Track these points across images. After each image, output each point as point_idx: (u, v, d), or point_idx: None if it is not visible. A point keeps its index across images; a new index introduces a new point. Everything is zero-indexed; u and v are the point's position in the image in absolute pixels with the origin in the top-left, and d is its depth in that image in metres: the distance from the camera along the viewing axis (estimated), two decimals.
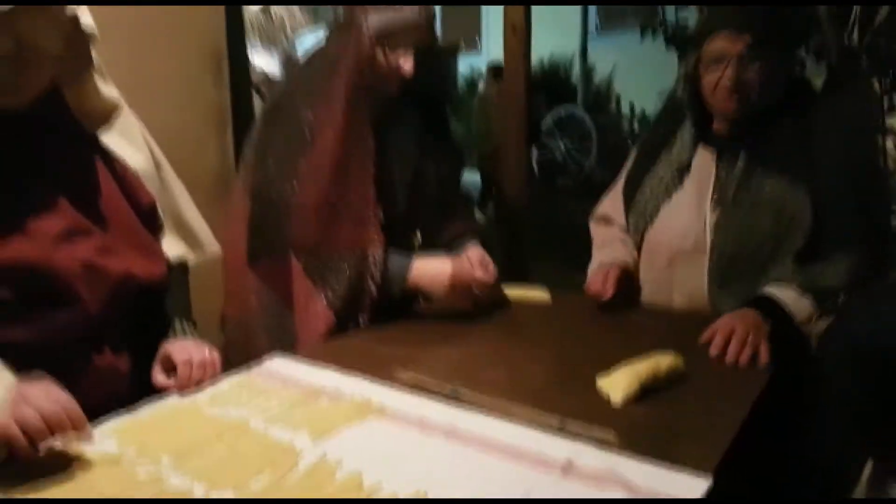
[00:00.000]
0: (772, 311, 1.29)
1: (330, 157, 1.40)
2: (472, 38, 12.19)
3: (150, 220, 1.10)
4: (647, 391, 1.09)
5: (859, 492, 0.90)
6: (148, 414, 0.97)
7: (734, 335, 1.23)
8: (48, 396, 0.79)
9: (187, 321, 1.13)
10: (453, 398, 1.05)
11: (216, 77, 2.40)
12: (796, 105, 1.38)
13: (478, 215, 6.66)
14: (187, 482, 0.80)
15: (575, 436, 0.94)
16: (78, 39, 0.97)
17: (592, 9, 10.94)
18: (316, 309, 1.41)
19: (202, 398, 1.03)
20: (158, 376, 1.05)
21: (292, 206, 1.41)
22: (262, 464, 0.84)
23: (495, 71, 7.31)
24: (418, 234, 1.64)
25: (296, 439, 0.91)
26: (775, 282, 1.35)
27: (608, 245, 1.68)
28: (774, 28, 1.34)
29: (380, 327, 1.41)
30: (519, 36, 2.43)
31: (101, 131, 1.09)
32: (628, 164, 1.68)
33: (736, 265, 1.39)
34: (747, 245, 1.38)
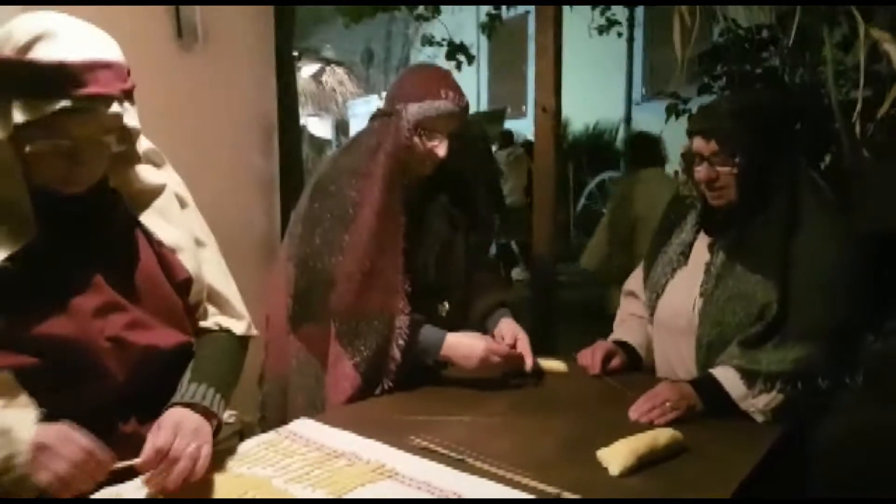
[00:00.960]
0: (709, 387, 1.40)
1: (367, 232, 1.53)
2: (519, 105, 12.53)
3: (184, 293, 1.19)
4: (646, 463, 1.16)
5: None
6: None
7: (658, 400, 1.36)
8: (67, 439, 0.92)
9: (208, 386, 1.13)
10: (460, 465, 1.14)
11: (266, 148, 2.59)
12: (779, 202, 1.45)
13: (519, 273, 6.77)
14: None
15: None
16: (125, 136, 1.10)
17: (638, 77, 11.17)
18: (345, 371, 1.52)
19: (231, 457, 1.13)
20: (147, 445, 1.00)
21: (334, 277, 1.54)
22: None
23: (504, 136, 7.57)
24: (446, 304, 1.74)
25: (315, 497, 1.00)
26: (721, 363, 1.44)
27: (625, 322, 1.79)
28: (738, 136, 1.44)
29: (400, 394, 1.51)
30: (549, 116, 2.57)
31: (140, 211, 1.20)
32: (649, 243, 1.78)
33: (714, 349, 1.47)
34: (723, 334, 1.46)
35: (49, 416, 0.98)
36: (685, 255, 1.61)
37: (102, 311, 1.05)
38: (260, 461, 1.12)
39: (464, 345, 1.55)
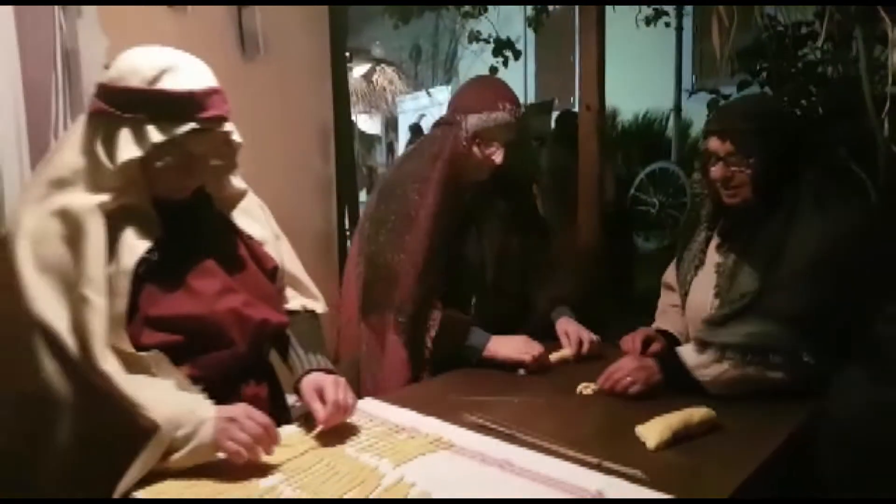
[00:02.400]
0: (670, 359, 1.51)
1: (424, 233, 1.68)
2: (567, 97, 12.52)
3: (273, 280, 1.39)
4: (681, 438, 1.26)
5: None
6: (281, 449, 1.19)
7: (620, 372, 1.48)
8: (249, 416, 1.10)
9: (322, 356, 1.36)
10: (510, 439, 1.26)
11: (324, 150, 2.76)
12: (788, 203, 1.50)
13: None
14: (300, 493, 1.05)
15: (609, 473, 1.13)
16: (228, 150, 1.29)
17: (687, 66, 11.02)
18: (402, 357, 1.68)
19: (317, 430, 1.28)
20: (316, 404, 1.25)
21: (396, 273, 1.70)
22: (353, 482, 1.08)
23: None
24: (504, 301, 1.85)
25: (380, 464, 1.15)
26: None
27: (665, 313, 1.86)
28: (753, 137, 1.49)
29: (453, 378, 1.65)
30: (593, 113, 2.66)
31: (229, 211, 1.40)
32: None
33: None
34: None
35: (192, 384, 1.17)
36: (703, 252, 1.69)
37: (222, 293, 1.25)
38: (337, 433, 1.26)
39: (506, 347, 1.69)
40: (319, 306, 1.49)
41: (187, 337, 1.20)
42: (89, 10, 1.91)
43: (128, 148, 1.14)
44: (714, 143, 1.55)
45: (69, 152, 1.18)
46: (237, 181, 1.40)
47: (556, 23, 10.07)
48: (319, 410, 1.24)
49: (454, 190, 1.70)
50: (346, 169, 2.91)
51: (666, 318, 1.84)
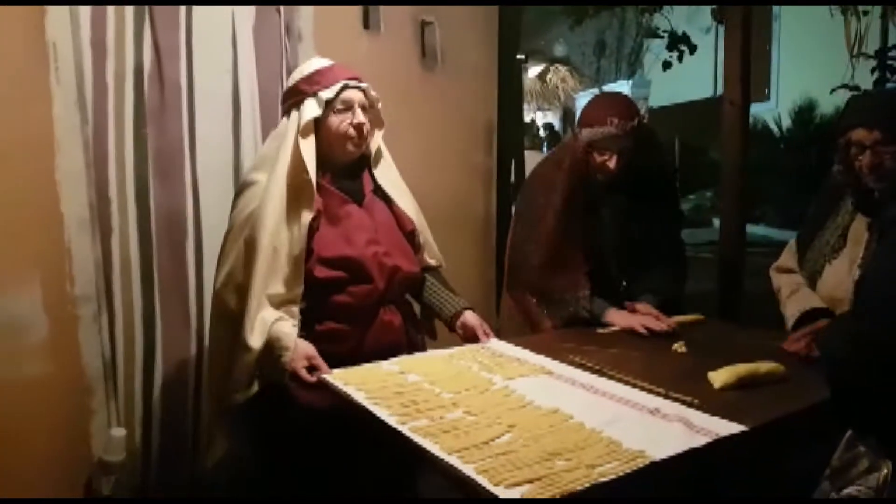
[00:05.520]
0: None
1: (549, 230, 2.04)
2: (761, 88, 11.90)
3: (411, 239, 1.86)
4: (747, 384, 1.50)
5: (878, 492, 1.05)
6: (418, 356, 1.69)
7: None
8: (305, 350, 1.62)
9: (458, 297, 1.91)
10: (599, 373, 1.58)
11: (487, 146, 3.17)
12: None
13: None
14: (431, 387, 1.47)
15: (674, 400, 1.41)
16: (372, 103, 1.82)
17: None
18: (546, 327, 2.07)
19: (450, 352, 1.72)
20: (479, 332, 1.82)
21: (530, 261, 2.08)
22: (472, 384, 1.48)
23: None
24: (624, 283, 2.17)
25: (493, 378, 1.54)
26: None
27: (799, 291, 1.94)
28: None
29: (569, 332, 1.99)
30: (736, 109, 2.81)
31: (377, 173, 1.89)
32: (801, 229, 2.01)
33: None
34: None
35: (345, 308, 1.71)
36: (843, 237, 1.84)
37: (369, 243, 1.74)
38: (465, 357, 1.70)
39: (620, 316, 2.00)
40: (443, 262, 2.00)
41: (344, 272, 1.70)
42: (307, 35, 2.49)
43: (310, 110, 1.71)
44: (860, 134, 1.69)
45: (266, 148, 1.81)
46: (381, 142, 1.91)
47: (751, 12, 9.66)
48: (482, 335, 1.83)
49: (578, 191, 2.03)
50: (505, 163, 3.31)
51: (805, 295, 1.90)
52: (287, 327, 1.65)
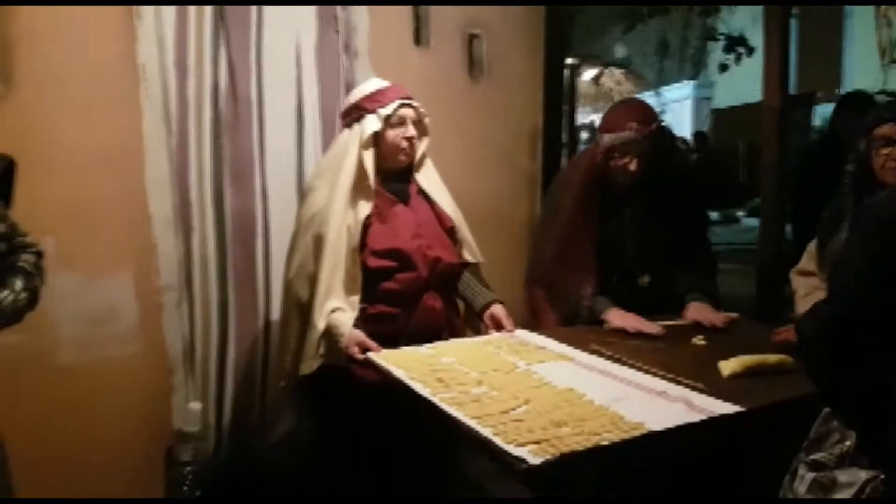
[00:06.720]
0: None
1: (563, 229, 2.20)
2: (832, 87, 11.60)
3: (451, 235, 2.09)
4: (754, 373, 1.63)
5: None
6: (451, 342, 1.90)
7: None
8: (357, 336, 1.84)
9: (489, 289, 2.12)
10: (619, 362, 1.74)
11: (532, 152, 3.34)
12: None
13: None
14: (461, 367, 1.66)
15: (681, 384, 1.56)
16: (420, 119, 2.06)
17: None
18: (549, 322, 2.21)
19: (481, 339, 1.92)
20: (504, 322, 2.02)
21: (546, 257, 2.24)
22: (498, 366, 1.67)
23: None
24: (646, 278, 2.26)
25: (518, 362, 1.72)
26: None
27: (812, 294, 2.02)
28: None
29: (591, 326, 2.14)
30: (774, 113, 2.89)
31: (421, 176, 2.12)
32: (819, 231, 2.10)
33: None
34: None
35: (393, 293, 1.95)
36: None
37: (413, 237, 1.98)
38: (493, 344, 1.89)
39: (616, 315, 2.08)
40: (481, 258, 2.20)
41: (392, 262, 1.94)
42: (363, 52, 2.72)
43: (371, 125, 1.96)
44: (886, 129, 1.79)
45: (327, 158, 2.07)
46: (424, 149, 2.13)
47: (821, 11, 9.48)
48: (507, 325, 2.03)
49: (592, 192, 2.17)
50: (550, 168, 3.46)
51: (817, 298, 2.06)
52: (344, 317, 1.90)
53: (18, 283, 1.48)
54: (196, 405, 2.30)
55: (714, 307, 2.18)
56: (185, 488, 2.18)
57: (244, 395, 2.44)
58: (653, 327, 2.02)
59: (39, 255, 1.58)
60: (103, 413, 2.21)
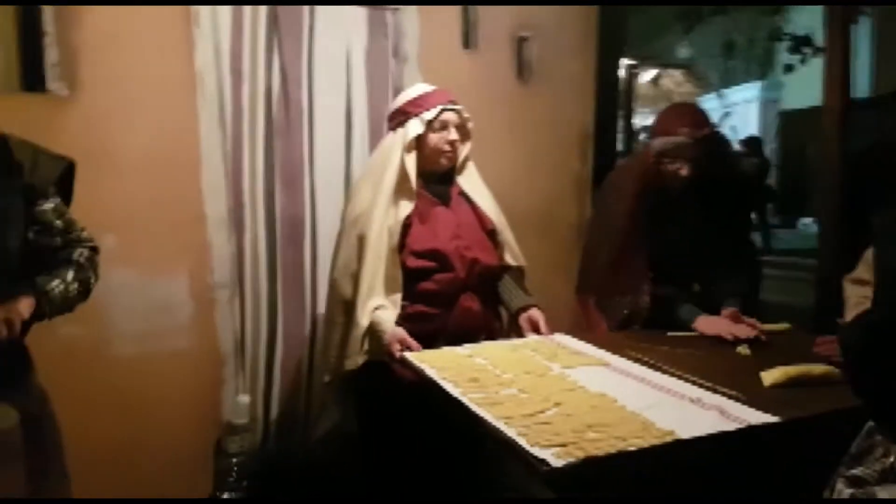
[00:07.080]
0: None
1: (616, 234, 2.17)
2: None
3: (491, 237, 2.10)
4: (798, 384, 1.59)
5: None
6: (487, 343, 1.92)
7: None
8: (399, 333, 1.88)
9: (527, 294, 2.13)
10: (655, 367, 1.73)
11: (582, 154, 3.32)
12: None
13: None
14: (494, 368, 1.68)
15: (718, 393, 1.53)
16: (464, 121, 2.10)
17: None
18: (602, 329, 2.20)
19: (516, 342, 1.93)
20: (540, 323, 2.03)
21: (598, 263, 2.22)
22: (531, 369, 1.68)
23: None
24: (696, 285, 2.25)
25: (552, 365, 1.72)
26: None
27: (863, 305, 2.02)
28: None
29: (633, 330, 2.12)
30: (835, 116, 2.80)
31: (463, 178, 2.15)
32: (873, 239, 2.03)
33: None
34: None
35: (431, 294, 1.99)
36: None
37: (452, 238, 2.01)
38: (529, 347, 1.90)
39: (707, 323, 2.05)
40: (523, 262, 2.21)
41: (431, 262, 1.97)
42: (412, 57, 2.77)
43: (414, 128, 2.01)
44: None
45: (373, 160, 2.11)
46: (467, 152, 2.16)
47: None
48: (543, 329, 2.03)
49: (644, 197, 2.13)
50: (600, 171, 3.43)
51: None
52: (386, 314, 1.95)
53: (70, 275, 1.56)
54: (245, 398, 2.39)
55: (747, 314, 2.10)
56: (232, 479, 2.27)
57: (291, 389, 2.52)
58: (748, 330, 1.97)
59: (94, 249, 1.67)
60: (157, 403, 2.32)
